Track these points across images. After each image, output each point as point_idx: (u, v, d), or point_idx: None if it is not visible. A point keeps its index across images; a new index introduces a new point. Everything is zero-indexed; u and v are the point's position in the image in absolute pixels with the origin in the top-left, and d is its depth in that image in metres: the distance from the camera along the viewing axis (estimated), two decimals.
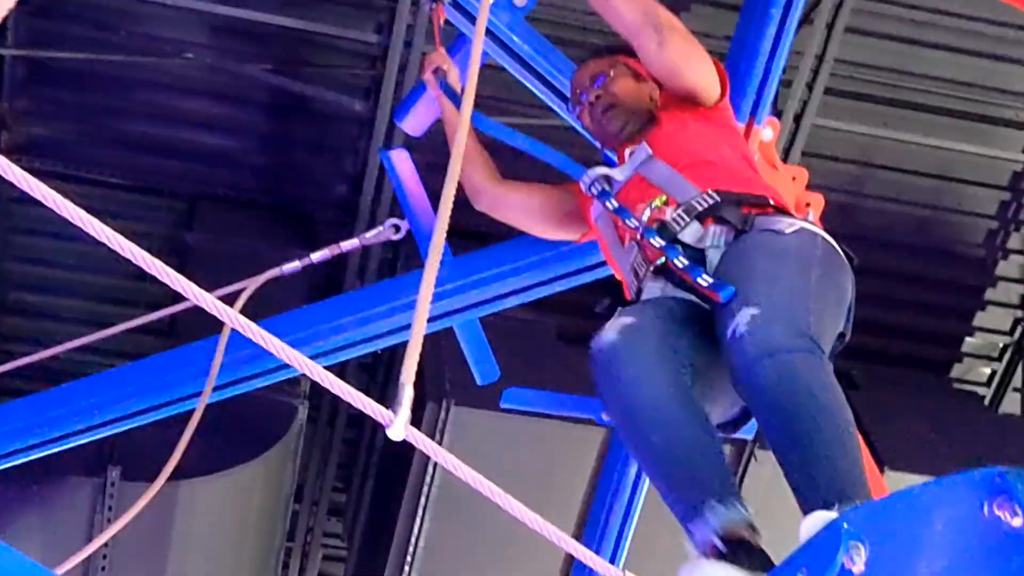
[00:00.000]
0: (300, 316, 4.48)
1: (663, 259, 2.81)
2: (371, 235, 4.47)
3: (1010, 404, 8.48)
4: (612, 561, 4.81)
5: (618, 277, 3.22)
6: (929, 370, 8.35)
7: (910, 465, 6.67)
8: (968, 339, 8.46)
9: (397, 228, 4.40)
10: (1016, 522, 1.91)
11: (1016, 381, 8.44)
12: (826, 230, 3.96)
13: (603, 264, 4.21)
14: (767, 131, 4.11)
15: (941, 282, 8.23)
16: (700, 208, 2.85)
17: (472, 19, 3.78)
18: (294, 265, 4.43)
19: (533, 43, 4.02)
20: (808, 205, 4.23)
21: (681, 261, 2.73)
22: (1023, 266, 8.25)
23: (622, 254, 3.06)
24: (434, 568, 7.16)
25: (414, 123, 4.24)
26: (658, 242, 2.80)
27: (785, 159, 7.21)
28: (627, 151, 3.21)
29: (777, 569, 2.15)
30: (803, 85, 7.15)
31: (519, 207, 3.55)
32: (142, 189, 7.45)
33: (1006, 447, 6.97)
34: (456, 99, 3.69)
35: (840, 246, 2.82)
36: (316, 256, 4.45)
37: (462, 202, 7.27)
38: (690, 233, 2.83)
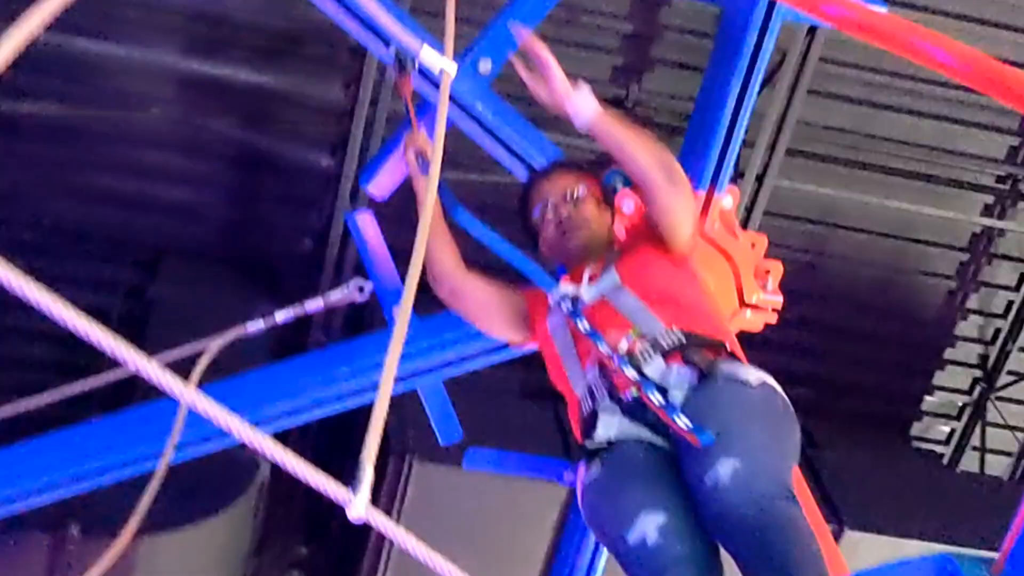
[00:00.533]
0: (263, 376, 4.49)
1: (635, 391, 2.89)
2: (335, 296, 4.49)
3: (969, 462, 8.55)
4: None
5: (560, 389, 3.25)
6: (889, 428, 8.42)
7: (870, 525, 6.70)
8: (927, 398, 8.54)
9: (362, 289, 4.43)
10: None
11: (975, 440, 8.51)
12: (789, 290, 4.04)
13: None
14: (727, 199, 4.16)
15: (901, 341, 8.31)
16: (665, 345, 2.96)
17: (436, 87, 3.82)
18: (258, 325, 4.44)
19: (498, 110, 4.07)
20: (767, 272, 4.27)
21: (657, 398, 2.82)
22: (982, 327, 8.33)
23: (576, 371, 3.13)
24: None
25: (380, 185, 4.27)
26: (633, 375, 2.88)
27: (747, 219, 7.29)
28: (586, 272, 3.30)
29: None
30: (765, 146, 7.23)
31: (474, 302, 3.58)
32: (107, 241, 7.44)
33: (964, 506, 7.01)
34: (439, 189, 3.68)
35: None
36: (280, 316, 4.47)
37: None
38: (654, 368, 2.93)
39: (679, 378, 2.89)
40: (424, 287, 7.09)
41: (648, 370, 2.92)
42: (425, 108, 4.10)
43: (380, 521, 2.01)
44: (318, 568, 8.22)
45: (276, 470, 7.54)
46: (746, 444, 2.68)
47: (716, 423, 2.72)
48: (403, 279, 4.41)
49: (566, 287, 3.24)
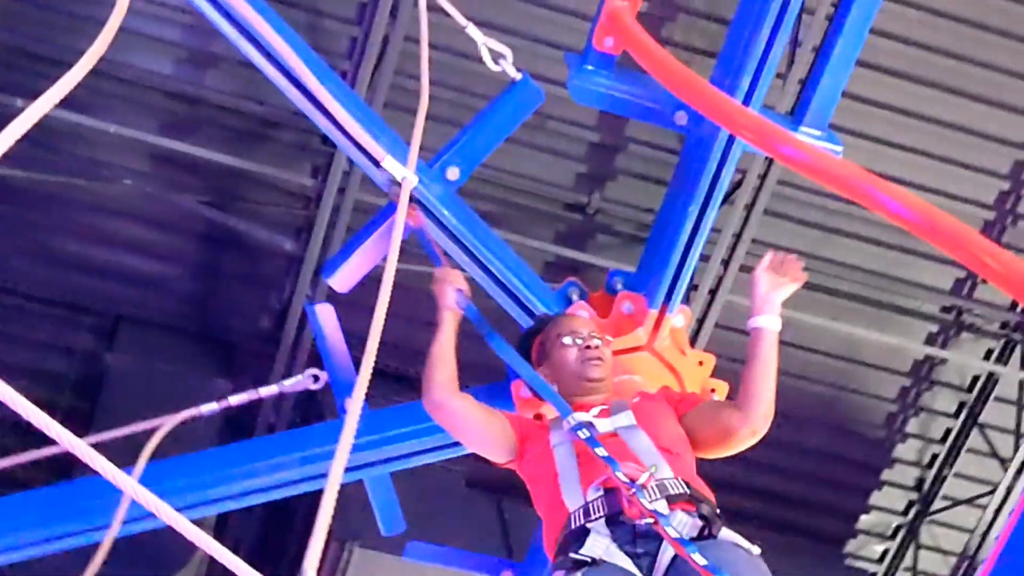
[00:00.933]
0: (213, 457, 4.55)
1: (650, 521, 2.96)
2: (290, 383, 4.59)
3: None
4: None
5: (546, 503, 3.31)
6: (824, 543, 8.52)
7: None
8: (863, 516, 8.66)
9: (316, 378, 4.53)
10: None
11: (907, 561, 8.63)
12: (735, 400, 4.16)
13: None
14: (679, 318, 4.30)
15: (841, 458, 8.45)
16: (671, 491, 3.07)
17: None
18: (212, 407, 4.53)
19: (461, 216, 4.19)
20: (713, 391, 4.40)
21: (675, 531, 2.91)
22: (920, 450, 8.49)
23: (575, 490, 3.19)
24: None
25: (342, 280, 4.36)
26: (650, 505, 2.97)
27: (698, 332, 7.44)
28: (596, 407, 3.41)
29: None
30: (719, 262, 7.40)
31: (463, 422, 3.56)
32: (67, 305, 7.51)
33: None
34: (475, 317, 3.72)
35: None
36: (235, 400, 4.57)
37: (381, 345, 7.24)
38: (659, 508, 3.02)
39: (683, 524, 3.00)
40: (376, 377, 7.15)
41: (656, 506, 3.02)
42: (423, 237, 4.17)
43: None
44: None
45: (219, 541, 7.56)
46: None
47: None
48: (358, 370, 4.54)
49: (581, 415, 3.34)
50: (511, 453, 3.46)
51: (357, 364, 4.66)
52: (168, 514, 1.89)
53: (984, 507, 8.37)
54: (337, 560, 6.99)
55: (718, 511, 3.11)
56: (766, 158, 7.11)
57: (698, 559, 2.81)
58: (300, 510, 7.83)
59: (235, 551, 1.97)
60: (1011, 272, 2.87)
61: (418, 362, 7.15)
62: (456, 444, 4.49)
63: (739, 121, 3.36)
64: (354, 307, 7.09)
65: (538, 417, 3.97)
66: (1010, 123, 7.47)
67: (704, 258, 7.38)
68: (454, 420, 3.56)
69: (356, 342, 4.75)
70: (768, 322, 3.36)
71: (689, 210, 4.14)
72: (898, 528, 8.67)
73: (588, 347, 3.52)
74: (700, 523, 3.02)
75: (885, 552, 8.73)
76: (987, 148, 7.52)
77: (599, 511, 3.10)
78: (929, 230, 3.15)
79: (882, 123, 7.37)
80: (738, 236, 7.36)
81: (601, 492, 3.14)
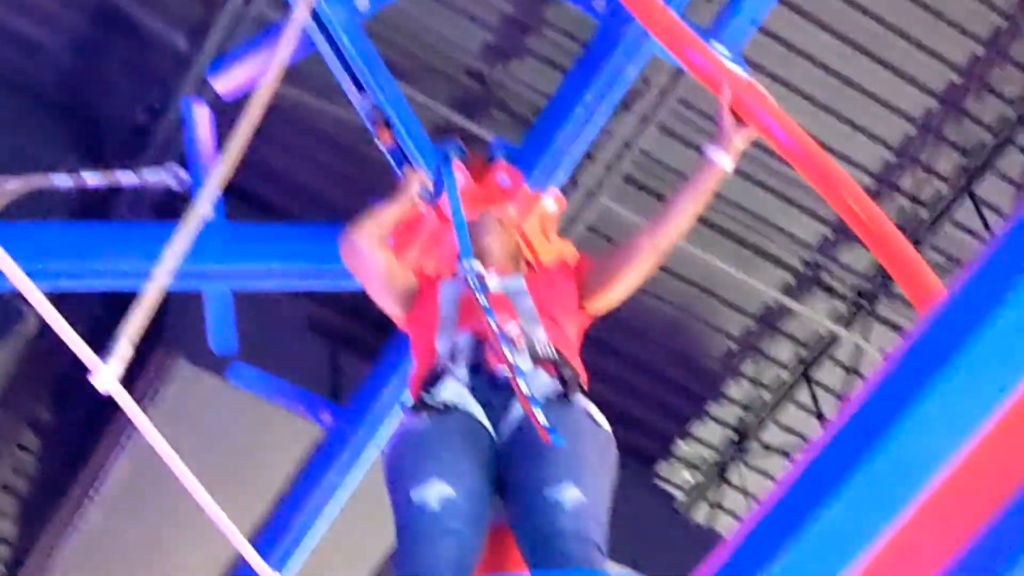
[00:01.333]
0: (58, 231, 4.44)
1: (506, 371, 3.01)
2: (151, 176, 4.47)
3: (699, 514, 8.88)
4: (281, 563, 4.85)
5: (420, 344, 3.35)
6: (636, 459, 8.67)
7: None
8: (681, 443, 8.84)
9: (179, 178, 4.42)
10: None
11: (712, 496, 8.86)
12: None
13: None
14: (552, 203, 4.28)
15: (673, 383, 8.59)
16: (539, 353, 3.13)
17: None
18: (65, 180, 4.39)
19: (361, 49, 4.11)
20: None
21: (525, 386, 2.96)
22: (748, 392, 8.67)
23: (448, 333, 3.25)
24: (117, 513, 7.09)
25: (227, 83, 4.26)
26: (511, 358, 3.01)
27: (569, 230, 7.44)
28: (492, 267, 3.42)
29: None
30: (604, 165, 7.40)
31: (374, 270, 3.55)
32: None
33: (675, 549, 7.22)
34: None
35: None
36: (90, 179, 4.42)
37: (255, 167, 7.28)
38: (523, 364, 3.07)
39: (542, 384, 3.05)
40: (242, 199, 7.04)
41: (518, 361, 3.05)
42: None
43: (125, 400, 2.06)
44: (54, 436, 8.11)
45: (42, 329, 7.44)
46: (594, 485, 2.87)
47: (569, 443, 2.88)
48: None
49: (479, 265, 3.35)
50: (408, 307, 3.47)
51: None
52: (14, 272, 1.82)
53: (795, 461, 8.59)
54: (160, 370, 6.92)
55: (583, 385, 3.16)
56: (672, 73, 7.10)
57: (540, 417, 2.85)
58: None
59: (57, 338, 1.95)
60: (872, 219, 2.94)
61: (289, 195, 7.11)
62: (302, 278, 4.49)
63: (655, 17, 3.33)
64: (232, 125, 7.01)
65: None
66: (909, 96, 7.55)
67: (590, 156, 7.38)
68: (367, 266, 3.56)
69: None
70: (719, 158, 3.37)
71: (585, 97, 4.12)
72: (711, 463, 8.87)
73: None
74: (559, 386, 3.06)
75: (693, 482, 8.93)
76: (883, 116, 7.61)
77: (464, 357, 3.15)
78: (803, 160, 3.21)
79: (793, 68, 7.39)
80: (628, 145, 7.35)
81: (471, 339, 3.18)
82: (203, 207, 2.28)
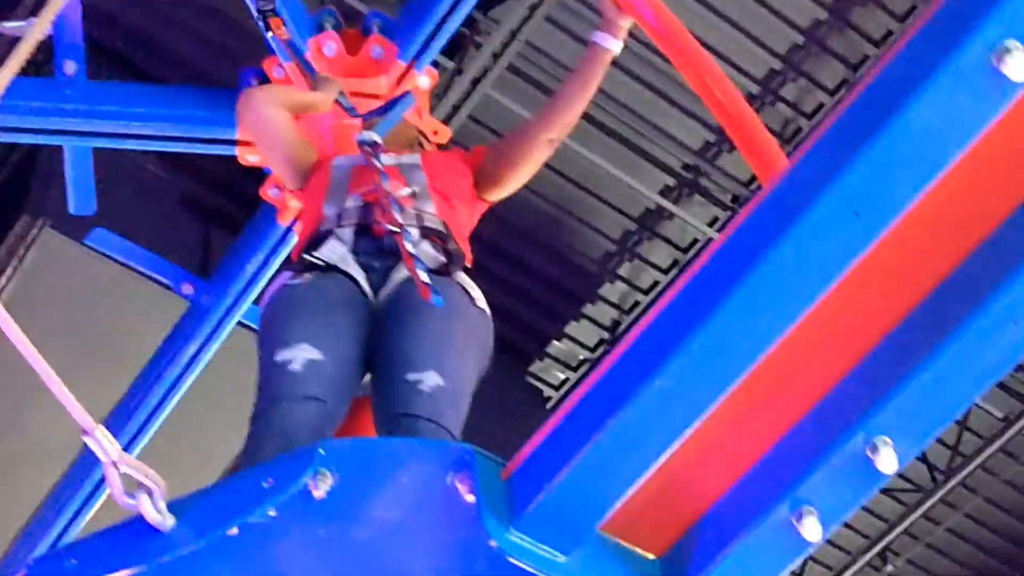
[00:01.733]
0: None
1: (394, 232, 3.00)
2: (10, 26, 4.31)
3: None
4: (134, 440, 4.81)
5: (305, 219, 3.33)
6: (510, 356, 8.70)
7: None
8: (555, 342, 8.89)
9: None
10: (469, 498, 2.08)
11: None
12: None
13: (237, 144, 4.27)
14: (425, 79, 4.22)
15: (550, 282, 8.61)
16: (427, 224, 3.12)
17: None
18: None
19: None
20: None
21: (412, 245, 2.95)
22: (624, 295, 8.72)
23: (338, 197, 3.22)
24: None
25: None
26: (399, 218, 3.00)
27: (451, 118, 7.37)
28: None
29: (250, 470, 2.27)
30: (490, 54, 7.32)
31: (274, 134, 3.48)
32: None
33: None
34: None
35: None
36: None
37: (117, 24, 7.04)
38: (411, 232, 3.05)
39: (426, 254, 3.03)
40: (108, 59, 6.83)
41: (407, 226, 3.04)
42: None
43: None
44: None
45: None
46: (456, 368, 2.84)
47: (440, 320, 2.87)
48: (87, 33, 4.31)
49: (373, 134, 3.29)
50: (303, 180, 3.41)
51: (93, 41, 4.47)
52: None
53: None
54: (25, 235, 6.76)
55: (467, 265, 3.16)
56: None
57: (423, 276, 2.84)
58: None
59: None
60: (727, 96, 2.96)
61: (161, 60, 6.89)
62: (163, 139, 4.39)
63: None
64: None
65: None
66: (797, 4, 7.56)
67: (476, 45, 7.30)
68: (268, 126, 3.48)
69: (100, 18, 4.56)
70: (605, 40, 3.41)
71: None
72: (583, 361, 8.94)
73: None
74: (442, 258, 3.05)
75: (565, 380, 9.00)
76: (774, 25, 7.60)
77: (351, 219, 3.12)
78: (670, 46, 3.21)
79: None
80: (514, 33, 7.27)
81: (360, 202, 3.16)
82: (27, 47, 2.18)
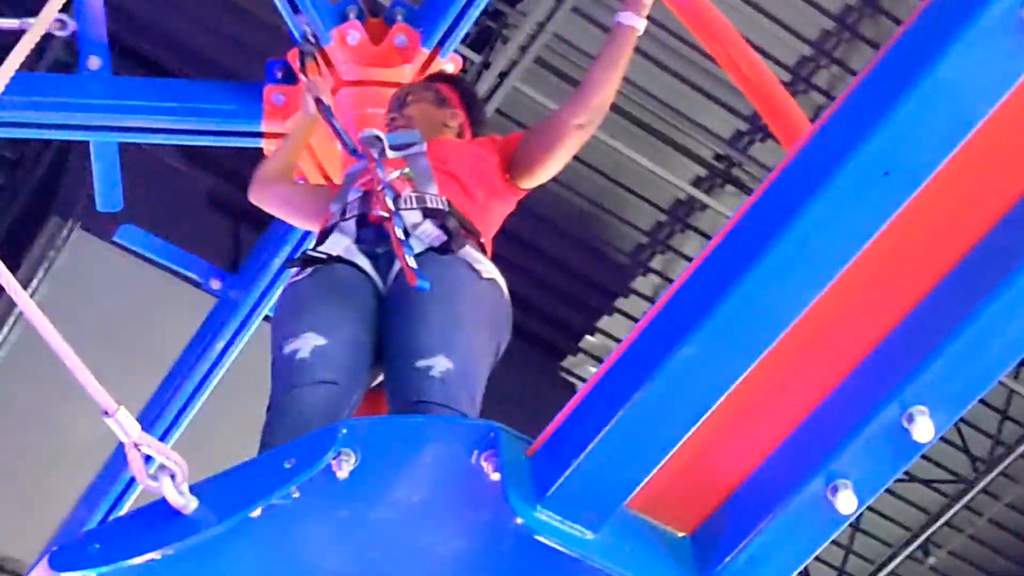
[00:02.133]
0: None
1: (386, 217, 2.97)
2: (34, 19, 4.30)
3: None
4: (167, 432, 4.81)
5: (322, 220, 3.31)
6: (544, 351, 8.67)
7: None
8: (588, 337, 8.84)
9: (63, 24, 4.26)
10: (494, 476, 2.05)
11: None
12: None
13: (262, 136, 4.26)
14: (449, 65, 4.19)
15: (583, 276, 8.56)
16: (428, 204, 3.06)
17: None
18: None
19: None
20: None
21: (399, 231, 2.91)
22: (657, 287, 8.66)
23: (343, 196, 3.22)
24: (6, 379, 6.99)
25: None
26: (391, 204, 2.97)
27: None
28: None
29: (271, 452, 2.24)
30: (518, 47, 7.28)
31: (286, 208, 3.58)
32: None
33: None
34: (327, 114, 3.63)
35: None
36: None
37: (141, 22, 7.06)
38: (411, 217, 3.02)
39: (426, 233, 2.99)
40: (129, 59, 6.82)
41: (406, 215, 3.01)
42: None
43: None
44: None
45: None
46: (466, 348, 2.80)
47: (440, 301, 2.84)
48: (112, 34, 4.32)
49: (373, 131, 3.25)
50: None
51: (113, 37, 4.46)
52: None
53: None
54: (55, 236, 6.78)
55: (479, 239, 3.11)
56: None
57: (410, 261, 2.82)
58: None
59: None
60: (759, 77, 2.92)
61: (183, 58, 6.84)
62: (189, 133, 4.38)
63: None
64: None
65: None
66: None
67: (504, 40, 7.28)
68: (279, 208, 3.60)
69: (121, 17, 4.56)
70: (629, 19, 3.31)
71: None
72: None
73: (387, 125, 3.52)
74: (442, 235, 3.00)
75: None
76: (803, 11, 7.54)
77: (351, 212, 3.11)
78: (703, 31, 3.17)
79: None
80: (542, 25, 7.24)
81: (360, 193, 3.14)
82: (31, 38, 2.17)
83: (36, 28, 2.15)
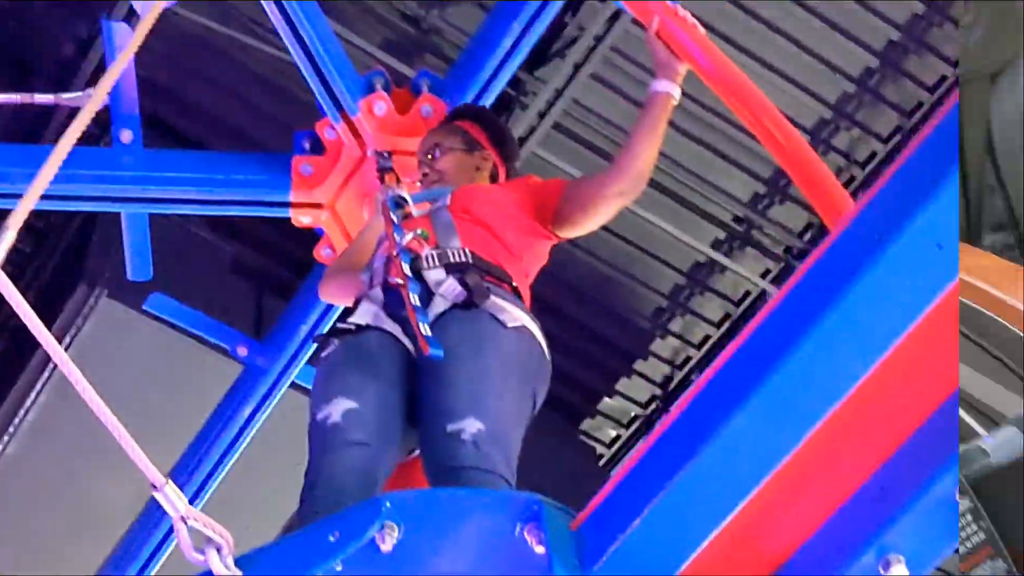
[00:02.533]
0: None
1: (400, 281, 3.00)
2: (68, 96, 4.35)
3: (620, 468, 8.86)
4: (194, 499, 4.81)
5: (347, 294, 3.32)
6: (562, 414, 8.64)
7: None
8: (607, 399, 8.81)
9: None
10: (539, 549, 2.05)
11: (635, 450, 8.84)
12: None
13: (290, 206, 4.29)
14: None
15: (603, 339, 8.55)
16: (451, 260, 3.07)
17: None
18: None
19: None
20: None
21: (414, 298, 2.94)
22: (676, 350, 8.65)
23: (369, 264, 3.25)
24: (36, 445, 6.99)
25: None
26: (406, 269, 3.01)
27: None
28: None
29: (315, 525, 2.24)
30: (536, 113, 7.33)
31: (342, 294, 3.51)
32: None
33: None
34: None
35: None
36: (1, 97, 4.30)
37: (171, 96, 7.13)
38: (434, 275, 3.04)
39: (448, 289, 3.01)
40: (159, 130, 6.87)
41: (429, 275, 3.04)
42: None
43: (37, 328, 1.99)
44: None
45: None
46: (496, 407, 2.81)
47: (471, 357, 2.85)
48: (142, 105, 4.36)
49: (397, 189, 3.36)
50: None
51: (147, 112, 4.51)
52: None
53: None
54: (82, 305, 6.81)
55: (510, 283, 3.11)
56: (608, 20, 7.05)
57: (423, 328, 2.83)
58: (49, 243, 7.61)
59: None
60: (787, 138, 2.93)
61: (214, 131, 6.95)
62: (219, 203, 4.42)
63: None
64: (163, 58, 6.87)
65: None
66: (849, 53, 7.51)
67: (523, 106, 7.33)
68: (334, 294, 3.57)
69: (148, 88, 4.59)
70: (664, 86, 3.36)
71: (512, 26, 4.05)
72: (635, 418, 8.86)
73: (420, 180, 3.58)
74: (463, 291, 3.01)
75: (617, 437, 8.92)
76: (823, 73, 7.58)
77: (379, 277, 3.12)
78: (724, 84, 3.20)
79: (733, 22, 7.32)
80: (560, 92, 7.29)
81: (384, 259, 3.15)
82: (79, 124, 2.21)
83: (91, 105, 2.17)
